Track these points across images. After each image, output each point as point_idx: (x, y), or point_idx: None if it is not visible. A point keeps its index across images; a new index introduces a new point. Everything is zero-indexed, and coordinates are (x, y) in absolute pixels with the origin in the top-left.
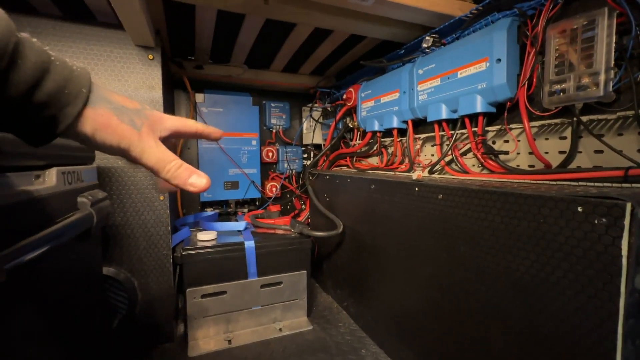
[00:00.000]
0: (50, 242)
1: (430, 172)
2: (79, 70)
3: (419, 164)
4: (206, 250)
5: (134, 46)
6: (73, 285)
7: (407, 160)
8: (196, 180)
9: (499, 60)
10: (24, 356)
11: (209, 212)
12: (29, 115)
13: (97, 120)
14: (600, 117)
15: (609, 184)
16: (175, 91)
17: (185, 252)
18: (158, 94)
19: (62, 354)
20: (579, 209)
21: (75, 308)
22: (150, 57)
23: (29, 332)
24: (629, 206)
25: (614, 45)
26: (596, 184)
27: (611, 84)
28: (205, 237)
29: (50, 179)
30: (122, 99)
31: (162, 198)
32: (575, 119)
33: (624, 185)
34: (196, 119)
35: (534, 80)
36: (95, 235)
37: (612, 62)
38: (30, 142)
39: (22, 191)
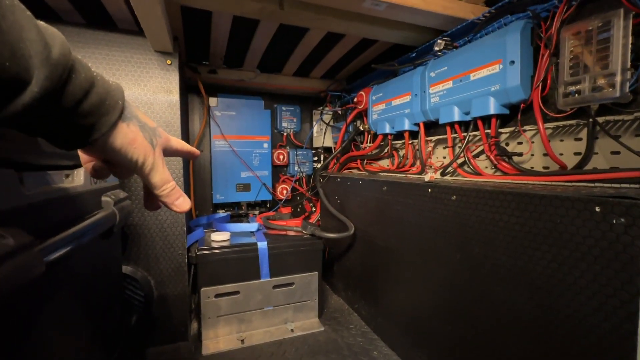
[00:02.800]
0: (80, 237)
1: (443, 174)
2: (115, 85)
3: (431, 167)
4: (220, 251)
5: (153, 52)
6: (96, 281)
7: (418, 163)
8: (182, 202)
9: (513, 62)
10: (51, 345)
11: (222, 213)
12: (72, 122)
13: (128, 135)
14: (616, 117)
15: (627, 185)
16: (190, 95)
17: (199, 252)
18: (175, 97)
19: (83, 348)
20: (597, 209)
21: (96, 304)
22: (169, 62)
23: (57, 324)
24: None
25: (630, 46)
26: (613, 185)
27: (628, 84)
28: (219, 237)
29: (79, 178)
30: (144, 116)
31: None
32: (591, 120)
33: None
34: (210, 122)
35: (548, 81)
36: (116, 234)
37: (629, 63)
38: (64, 147)
39: (55, 188)
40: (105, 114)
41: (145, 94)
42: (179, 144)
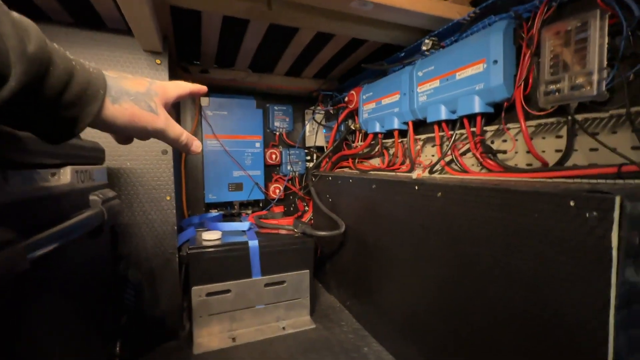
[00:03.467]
0: (66, 236)
1: (431, 172)
2: (95, 72)
3: (420, 164)
4: (211, 250)
5: (142, 51)
6: (84, 281)
7: (408, 161)
8: (197, 146)
9: (496, 61)
10: (38, 345)
11: (214, 213)
12: (56, 114)
13: (125, 114)
14: (594, 115)
15: (604, 181)
16: None
17: (190, 251)
18: None
19: (74, 347)
20: (571, 203)
21: (86, 303)
22: (158, 61)
23: (43, 323)
24: (618, 199)
25: (606, 45)
26: (591, 181)
27: (604, 83)
28: (211, 236)
29: (65, 177)
30: (134, 83)
31: (168, 198)
32: (570, 117)
33: (618, 181)
34: (201, 122)
35: (530, 80)
36: (105, 233)
37: (605, 62)
38: (50, 141)
39: (41, 187)
40: (87, 104)
41: None
42: (178, 89)
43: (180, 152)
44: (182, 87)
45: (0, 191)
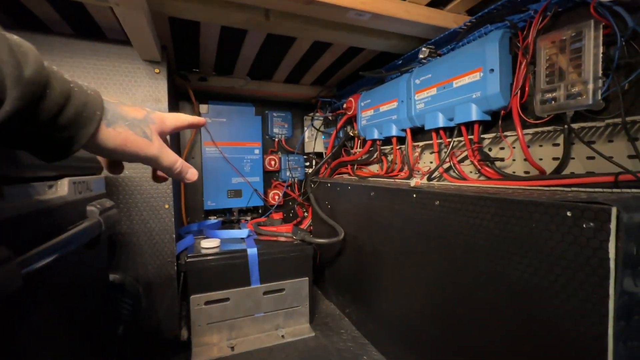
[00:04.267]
0: (62, 249)
1: (429, 179)
2: (93, 95)
3: (418, 171)
4: (210, 258)
5: (141, 61)
6: (81, 291)
7: (406, 168)
8: (192, 174)
9: (492, 70)
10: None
11: (213, 220)
12: (51, 136)
13: (118, 138)
14: (590, 124)
15: (600, 190)
16: (180, 102)
17: (189, 260)
18: (164, 106)
19: (71, 358)
20: (568, 214)
21: (82, 314)
22: (157, 71)
23: (38, 337)
24: (614, 210)
25: (601, 55)
26: (588, 190)
27: (600, 92)
28: (209, 244)
29: (62, 189)
30: (132, 110)
31: (167, 207)
32: (566, 126)
33: (614, 190)
34: (200, 129)
35: (527, 89)
36: (102, 243)
37: (600, 72)
38: (45, 159)
39: (37, 200)
40: (82, 127)
41: (133, 102)
42: (176, 120)
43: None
44: (181, 119)
45: None
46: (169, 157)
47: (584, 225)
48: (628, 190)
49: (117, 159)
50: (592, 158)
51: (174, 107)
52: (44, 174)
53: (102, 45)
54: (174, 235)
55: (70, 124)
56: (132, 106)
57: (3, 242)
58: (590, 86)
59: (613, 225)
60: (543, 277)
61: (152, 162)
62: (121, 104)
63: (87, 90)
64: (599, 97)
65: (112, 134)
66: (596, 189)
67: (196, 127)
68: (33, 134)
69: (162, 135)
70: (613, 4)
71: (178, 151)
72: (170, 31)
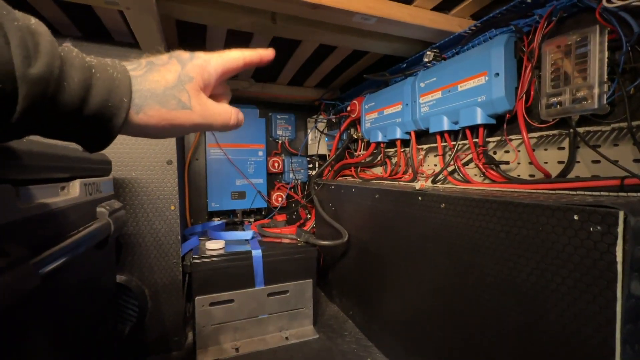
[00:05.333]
0: (75, 249)
1: (434, 181)
2: (120, 79)
3: (422, 174)
4: (215, 259)
5: None
6: (89, 291)
7: (410, 170)
8: (242, 119)
9: (497, 74)
10: (44, 356)
11: (217, 221)
12: (80, 128)
13: (150, 121)
14: (596, 128)
15: (606, 193)
16: None
17: (194, 261)
18: None
19: (78, 357)
20: (575, 217)
21: (90, 314)
22: None
23: (49, 336)
24: (621, 214)
25: (606, 60)
26: (594, 193)
27: (605, 97)
28: (214, 246)
29: (74, 190)
30: (163, 75)
31: (173, 208)
32: (572, 130)
33: (620, 194)
34: (204, 131)
35: (532, 93)
36: (110, 244)
37: (605, 76)
38: (88, 150)
39: (50, 202)
40: (110, 117)
41: None
42: (224, 62)
43: (183, 161)
44: (231, 58)
45: (12, 209)
46: (220, 116)
47: (591, 229)
48: (634, 194)
49: (163, 137)
50: (598, 162)
51: None
52: (57, 176)
53: (110, 48)
54: (180, 237)
55: (96, 114)
56: (164, 67)
57: (19, 242)
58: (596, 90)
59: (620, 229)
60: (550, 280)
61: (202, 129)
62: (150, 70)
63: (113, 73)
64: (604, 102)
65: (144, 119)
66: (602, 193)
67: (258, 65)
68: (62, 127)
69: (207, 89)
70: (618, 10)
71: (182, 153)
72: (177, 34)
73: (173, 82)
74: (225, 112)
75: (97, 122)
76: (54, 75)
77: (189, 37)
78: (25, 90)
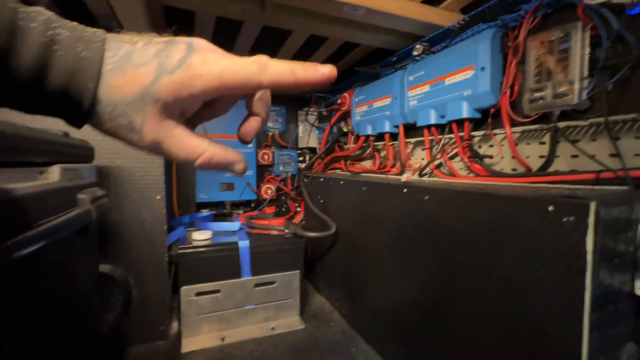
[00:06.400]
0: (52, 235)
1: (420, 175)
2: (88, 58)
3: (410, 167)
4: (201, 249)
5: None
6: (71, 280)
7: (398, 164)
8: (239, 167)
9: (483, 68)
10: (20, 349)
11: (205, 212)
12: (49, 104)
13: (99, 127)
14: (575, 123)
15: (583, 186)
16: None
17: (180, 251)
18: None
19: (58, 348)
20: (550, 208)
21: (72, 303)
22: None
23: (27, 325)
24: (593, 205)
25: (587, 56)
26: (571, 187)
27: (585, 92)
28: (201, 236)
29: (53, 175)
30: (126, 83)
31: (158, 197)
32: (552, 125)
33: (595, 187)
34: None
35: (516, 88)
36: (92, 232)
37: (586, 72)
38: (71, 125)
39: (27, 186)
40: (76, 103)
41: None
42: (227, 79)
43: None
44: (242, 72)
45: None
46: (182, 153)
47: (564, 219)
48: (608, 187)
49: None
50: (576, 156)
51: None
52: (36, 160)
53: None
54: (166, 227)
55: (62, 95)
56: (134, 70)
57: None
58: (577, 86)
59: (591, 220)
60: (527, 269)
61: (156, 153)
62: (119, 67)
63: (81, 51)
64: (585, 97)
65: (100, 128)
66: (579, 186)
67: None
68: (24, 97)
69: (186, 112)
70: (600, 7)
71: None
72: (165, 20)
73: (132, 97)
74: (192, 152)
75: (66, 101)
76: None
77: (178, 23)
78: None
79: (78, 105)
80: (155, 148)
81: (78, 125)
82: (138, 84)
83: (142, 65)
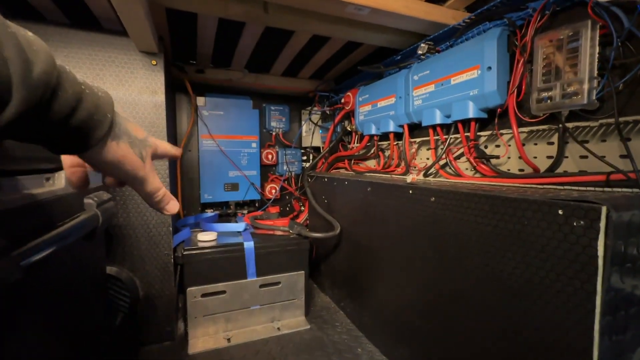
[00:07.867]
0: (60, 241)
1: (426, 175)
2: (104, 97)
3: (415, 167)
4: (206, 251)
5: (137, 52)
6: (78, 283)
7: (403, 164)
8: (172, 206)
9: (490, 68)
10: (31, 351)
11: (209, 213)
12: (63, 135)
13: (118, 152)
14: (584, 124)
15: (592, 188)
16: (177, 94)
17: (186, 252)
18: (161, 98)
19: (66, 350)
20: (560, 212)
21: (79, 306)
22: (154, 62)
23: (36, 328)
24: (604, 209)
25: (597, 55)
26: (580, 188)
27: (594, 92)
28: (206, 237)
29: (60, 181)
30: (135, 128)
31: None
32: (561, 125)
33: (606, 189)
34: (197, 122)
35: (523, 87)
36: (99, 235)
37: (596, 72)
38: (58, 153)
39: (34, 193)
40: (94, 128)
41: (130, 94)
42: (164, 149)
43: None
44: (169, 150)
45: None
46: (154, 183)
47: (575, 224)
48: (619, 189)
49: (108, 173)
50: (585, 157)
51: (170, 99)
52: (42, 166)
53: (97, 36)
54: (171, 228)
55: (81, 125)
56: (135, 125)
57: (1, 234)
58: (586, 86)
59: (602, 224)
60: (534, 274)
61: (137, 183)
62: (127, 120)
63: (98, 92)
64: (594, 97)
65: (114, 148)
66: (588, 188)
67: (173, 159)
68: (45, 133)
69: (152, 159)
70: (610, 5)
71: (174, 144)
72: (167, 22)
73: (141, 138)
74: (159, 184)
75: (80, 131)
76: (51, 83)
77: (180, 25)
78: (26, 93)
79: (91, 132)
80: (144, 178)
81: (69, 152)
82: (142, 133)
83: (136, 125)
